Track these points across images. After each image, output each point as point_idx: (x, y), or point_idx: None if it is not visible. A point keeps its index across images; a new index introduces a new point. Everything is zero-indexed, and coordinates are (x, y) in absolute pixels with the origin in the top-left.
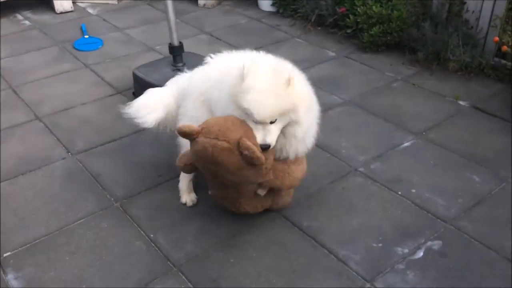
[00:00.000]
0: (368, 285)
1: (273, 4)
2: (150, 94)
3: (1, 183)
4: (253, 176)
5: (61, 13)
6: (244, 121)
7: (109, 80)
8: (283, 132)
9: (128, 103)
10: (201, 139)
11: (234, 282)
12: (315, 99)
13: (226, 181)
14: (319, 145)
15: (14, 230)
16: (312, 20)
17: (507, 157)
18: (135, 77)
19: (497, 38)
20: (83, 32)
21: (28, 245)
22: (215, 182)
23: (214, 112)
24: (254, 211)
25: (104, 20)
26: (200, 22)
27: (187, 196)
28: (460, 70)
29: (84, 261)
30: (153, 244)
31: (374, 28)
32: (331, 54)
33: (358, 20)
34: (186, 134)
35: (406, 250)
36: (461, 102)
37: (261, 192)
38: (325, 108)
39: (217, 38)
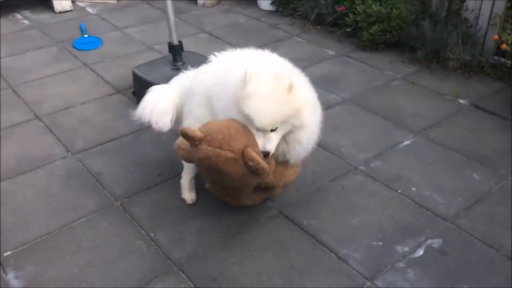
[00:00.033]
0: (368, 283)
1: (272, 3)
2: (157, 96)
3: (1, 183)
4: (255, 181)
5: (60, 12)
6: (247, 126)
7: (109, 79)
8: (286, 138)
9: (134, 110)
10: (204, 146)
11: (234, 281)
12: (318, 103)
13: (229, 185)
14: (319, 144)
15: (14, 230)
16: (312, 19)
17: (507, 155)
18: (135, 76)
19: (496, 37)
20: (82, 31)
21: (28, 245)
22: (215, 184)
23: (215, 110)
24: (252, 203)
25: (104, 19)
26: (199, 21)
27: (188, 194)
28: (459, 69)
29: (84, 260)
30: (153, 243)
31: (373, 27)
32: (331, 53)
33: (358, 19)
34: (188, 137)
35: (406, 249)
36: (460, 101)
37: None
38: (325, 107)
39: (216, 37)
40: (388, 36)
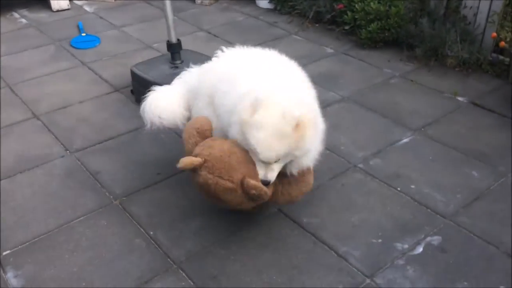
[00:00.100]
0: (368, 280)
1: (270, 1)
2: (163, 95)
3: (0, 182)
4: (253, 205)
5: (58, 11)
6: (248, 154)
7: (107, 78)
8: (287, 164)
9: (136, 109)
10: (204, 173)
11: (234, 279)
12: (320, 118)
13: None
14: None
15: (13, 228)
16: (310, 17)
17: (506, 152)
18: (133, 74)
19: (495, 34)
20: (80, 30)
21: (27, 243)
22: (213, 203)
23: (217, 108)
24: (249, 210)
25: (101, 18)
26: (197, 20)
27: None
28: (458, 66)
29: (83, 259)
30: (153, 242)
31: (372, 25)
32: (329, 50)
33: (356, 17)
34: (188, 168)
35: (406, 246)
36: (459, 98)
37: None
38: (324, 105)
39: (214, 35)
40: (386, 34)
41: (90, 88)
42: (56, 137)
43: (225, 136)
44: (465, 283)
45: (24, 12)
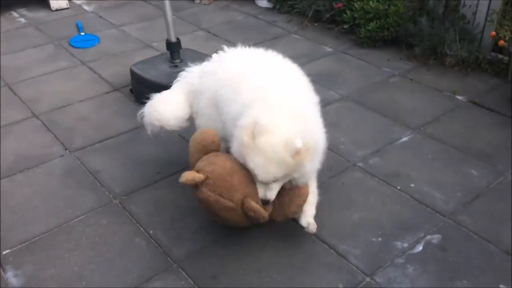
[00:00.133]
0: (368, 279)
1: (269, 0)
2: (166, 96)
3: (0, 181)
4: (251, 224)
5: (57, 10)
6: (249, 173)
7: (106, 77)
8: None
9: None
10: (205, 190)
11: (234, 278)
12: (322, 148)
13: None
14: None
15: (13, 228)
16: (309, 16)
17: (505, 151)
18: (133, 74)
19: (494, 33)
20: (79, 29)
21: (27, 243)
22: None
23: (221, 113)
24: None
25: (100, 17)
26: (196, 19)
27: None
28: (457, 65)
29: (83, 258)
30: (152, 241)
31: (371, 24)
32: (328, 49)
33: (355, 16)
34: (189, 184)
35: (406, 244)
36: (458, 97)
37: None
38: (323, 104)
39: (214, 34)
40: (385, 33)
41: (90, 87)
42: (55, 137)
43: (228, 139)
44: (465, 281)
45: (23, 11)
